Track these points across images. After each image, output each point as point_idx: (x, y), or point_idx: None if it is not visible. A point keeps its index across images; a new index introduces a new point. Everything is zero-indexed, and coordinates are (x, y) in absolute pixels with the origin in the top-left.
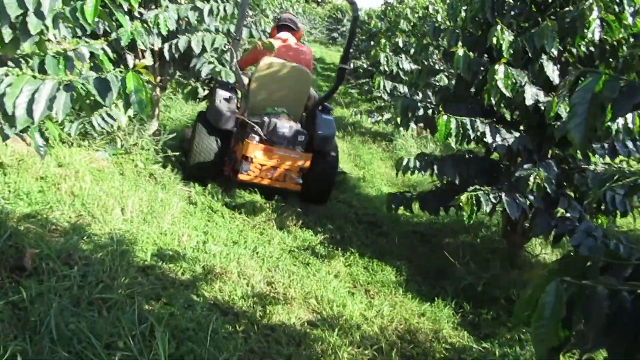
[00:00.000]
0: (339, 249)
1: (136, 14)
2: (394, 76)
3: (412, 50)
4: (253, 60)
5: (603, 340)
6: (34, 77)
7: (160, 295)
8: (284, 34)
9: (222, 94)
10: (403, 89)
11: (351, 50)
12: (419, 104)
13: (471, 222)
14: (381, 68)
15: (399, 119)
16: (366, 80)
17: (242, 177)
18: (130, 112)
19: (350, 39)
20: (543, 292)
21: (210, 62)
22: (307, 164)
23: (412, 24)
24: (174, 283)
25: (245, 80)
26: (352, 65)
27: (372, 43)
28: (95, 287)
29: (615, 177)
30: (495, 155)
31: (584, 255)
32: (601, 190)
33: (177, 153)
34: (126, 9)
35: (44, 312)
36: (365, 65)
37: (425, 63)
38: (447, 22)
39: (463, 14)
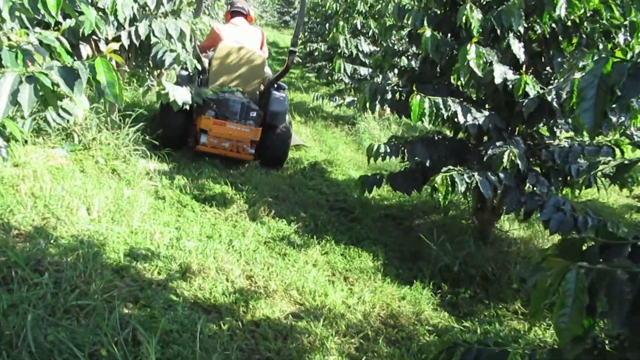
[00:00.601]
0: (315, 237)
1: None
2: (354, 58)
3: (370, 32)
4: (210, 45)
5: (627, 324)
6: None
7: (138, 298)
8: (237, 19)
9: (183, 74)
10: (364, 71)
11: (306, 34)
12: (387, 88)
13: (446, 202)
14: (340, 51)
15: (367, 104)
16: (324, 63)
17: (200, 148)
18: (87, 105)
19: (299, 23)
20: (563, 280)
21: (172, 50)
22: (257, 137)
23: (368, 4)
24: (151, 284)
25: (205, 62)
26: (308, 48)
27: (327, 25)
28: (70, 294)
29: (601, 161)
30: (462, 135)
31: (582, 236)
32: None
33: (142, 148)
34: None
35: (19, 324)
36: (322, 49)
37: (389, 45)
38: (411, 2)
39: None
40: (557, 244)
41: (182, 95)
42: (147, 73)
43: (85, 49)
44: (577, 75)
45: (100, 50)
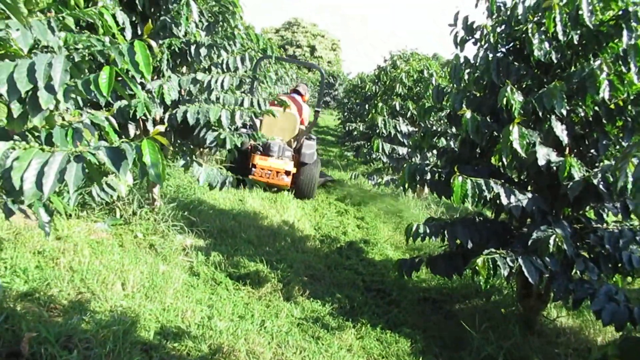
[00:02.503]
0: (350, 319)
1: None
2: (392, 138)
3: (408, 113)
4: (272, 105)
5: None
6: (42, 149)
7: None
8: (294, 95)
9: (242, 130)
10: (402, 150)
11: (345, 113)
12: (426, 169)
13: (488, 287)
14: (378, 131)
15: (406, 184)
16: (362, 142)
17: (252, 177)
18: (130, 181)
19: (321, 92)
20: None
21: (214, 130)
22: (290, 167)
23: (407, 87)
24: None
25: (257, 123)
26: (347, 128)
27: (367, 106)
28: None
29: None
30: (503, 217)
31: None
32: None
33: (180, 223)
34: (138, 81)
35: None
36: (361, 128)
37: (427, 125)
38: (450, 85)
39: (466, 76)
40: (617, 343)
41: (204, 176)
42: (189, 151)
43: (133, 129)
44: (634, 160)
45: (147, 130)
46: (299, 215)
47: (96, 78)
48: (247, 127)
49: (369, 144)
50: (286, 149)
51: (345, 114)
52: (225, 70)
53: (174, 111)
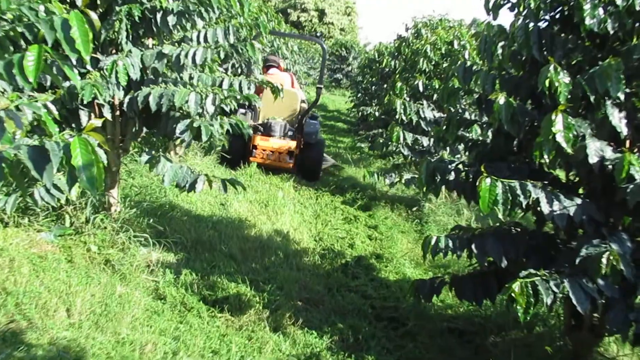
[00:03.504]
0: (352, 356)
1: (88, 66)
2: (415, 126)
3: (435, 95)
4: (258, 91)
5: None
6: None
7: None
8: (272, 70)
9: (240, 111)
10: (426, 142)
11: (358, 94)
12: (450, 167)
13: (527, 318)
14: (398, 117)
15: (424, 187)
16: (379, 130)
17: (252, 159)
18: None
19: (322, 70)
20: None
21: (184, 116)
22: (293, 147)
23: (433, 63)
24: None
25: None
26: (360, 112)
27: (385, 86)
28: None
29: None
30: (548, 227)
31: None
32: None
33: (144, 235)
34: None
35: None
36: (376, 114)
37: (453, 111)
38: (479, 61)
39: (500, 50)
40: None
41: (170, 175)
42: (159, 143)
43: (86, 116)
44: None
45: (103, 117)
46: (296, 223)
47: (21, 59)
48: (246, 107)
49: (386, 132)
50: (288, 128)
51: (360, 95)
52: (204, 45)
53: (135, 94)
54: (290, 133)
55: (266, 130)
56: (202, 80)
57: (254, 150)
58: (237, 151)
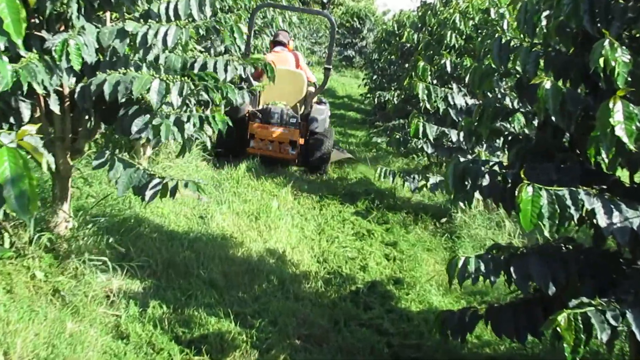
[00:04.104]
0: None
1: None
2: (442, 117)
3: (467, 77)
4: (260, 72)
5: None
6: None
7: None
8: (278, 47)
9: (246, 96)
10: (457, 136)
11: (374, 76)
12: (483, 168)
13: (577, 358)
14: (421, 105)
15: (451, 194)
16: (399, 122)
17: (249, 150)
18: None
19: (330, 48)
20: None
21: (145, 110)
22: (295, 137)
23: (464, 36)
24: None
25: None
26: (377, 99)
27: (407, 66)
28: None
29: None
30: (609, 244)
31: None
32: None
33: (103, 257)
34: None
35: None
36: (395, 100)
37: (489, 98)
38: (520, 36)
39: (544, 22)
40: None
41: (124, 181)
42: (117, 143)
43: (27, 109)
44: None
45: (49, 110)
46: (294, 240)
47: None
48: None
49: (407, 125)
50: (291, 115)
51: (376, 77)
52: (174, 19)
53: (88, 81)
54: (293, 120)
55: (265, 117)
56: (169, 60)
57: (251, 140)
58: (231, 141)
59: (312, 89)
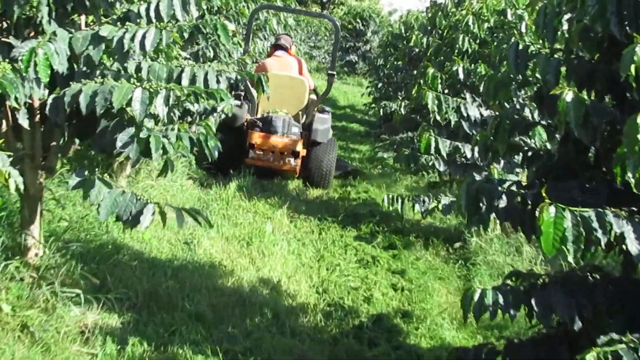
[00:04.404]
0: None
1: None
2: (455, 130)
3: (481, 86)
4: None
5: None
6: None
7: None
8: (279, 52)
9: (234, 102)
10: (471, 152)
11: (379, 84)
12: (500, 188)
13: None
14: (431, 117)
15: (464, 217)
16: (407, 135)
17: (249, 161)
18: None
19: (334, 52)
20: None
21: (128, 122)
22: (298, 147)
23: (478, 40)
24: None
25: (254, 92)
26: (382, 110)
27: (415, 73)
28: None
29: None
30: None
31: None
32: None
33: (76, 290)
34: None
35: None
36: (402, 111)
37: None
38: (537, 40)
39: (565, 26)
40: None
41: (106, 204)
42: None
43: None
44: None
45: (17, 125)
46: (291, 268)
47: None
48: (242, 97)
49: (415, 138)
50: (293, 124)
51: (381, 85)
52: (155, 21)
53: (61, 92)
54: (295, 129)
55: (266, 125)
56: (153, 71)
57: (250, 150)
58: (227, 152)
59: (313, 96)
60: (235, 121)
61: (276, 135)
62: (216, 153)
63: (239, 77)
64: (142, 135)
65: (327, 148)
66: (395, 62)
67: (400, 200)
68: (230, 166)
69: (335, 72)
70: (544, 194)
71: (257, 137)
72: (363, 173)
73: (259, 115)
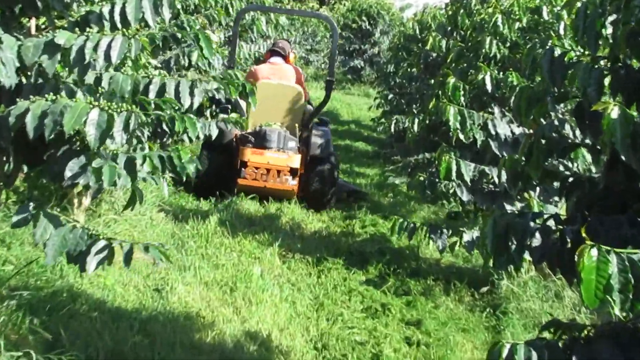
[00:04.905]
0: None
1: None
2: (481, 151)
3: (512, 99)
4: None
5: None
6: None
7: None
8: (275, 59)
9: (221, 116)
10: (500, 178)
11: (389, 96)
12: (533, 224)
13: None
14: (452, 137)
15: (491, 257)
16: (424, 157)
17: (241, 182)
18: None
19: (332, 57)
20: None
21: (80, 149)
22: (296, 164)
23: (508, 43)
24: None
25: (243, 104)
26: (394, 126)
27: (432, 82)
28: None
29: None
30: None
31: None
32: None
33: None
34: None
35: None
36: (416, 129)
37: (542, 126)
38: (577, 45)
39: (610, 29)
40: None
41: (54, 243)
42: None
43: None
44: None
45: None
46: (283, 319)
47: None
48: (229, 110)
49: (434, 159)
50: (289, 138)
51: (392, 96)
52: (121, 26)
53: (5, 112)
54: (292, 144)
55: (259, 140)
56: (116, 82)
57: (242, 169)
58: (214, 172)
59: (309, 107)
60: (223, 137)
61: (271, 150)
62: (194, 174)
63: (220, 88)
64: (96, 164)
65: (328, 163)
66: (408, 69)
67: (410, 231)
68: (218, 189)
69: (334, 79)
70: (584, 234)
71: (249, 154)
72: (365, 194)
73: (250, 129)
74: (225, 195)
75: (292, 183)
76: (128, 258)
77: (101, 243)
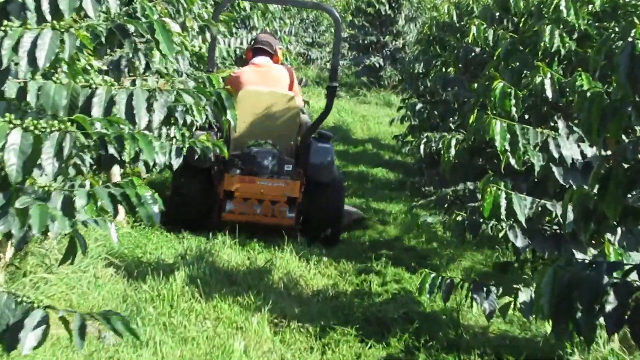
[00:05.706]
0: None
1: None
2: (540, 180)
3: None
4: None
5: None
6: None
7: None
8: (260, 59)
9: (198, 133)
10: (564, 217)
11: (418, 105)
12: (606, 279)
13: None
14: (502, 161)
15: (548, 324)
16: (465, 187)
17: (225, 216)
18: None
19: (336, 56)
20: None
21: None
22: (295, 192)
23: (575, 35)
24: None
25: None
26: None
27: (475, 86)
28: None
29: None
30: None
31: None
32: None
33: None
34: None
35: None
36: (455, 150)
37: (619, 149)
38: None
39: None
40: None
41: None
42: None
43: None
44: None
45: None
46: None
47: None
48: (207, 126)
49: (478, 191)
50: (285, 160)
51: (421, 105)
52: (51, 18)
53: None
54: (289, 168)
55: (248, 164)
56: (45, 95)
57: (227, 201)
58: (192, 204)
59: (306, 118)
60: (203, 160)
61: (263, 177)
62: (157, 213)
63: (180, 101)
64: (20, 204)
65: (331, 189)
66: (442, 70)
67: (448, 285)
68: (197, 225)
69: (337, 85)
70: None
71: (237, 182)
72: (365, 218)
73: (235, 151)
74: (202, 234)
75: (290, 215)
76: (82, 334)
77: (38, 313)
